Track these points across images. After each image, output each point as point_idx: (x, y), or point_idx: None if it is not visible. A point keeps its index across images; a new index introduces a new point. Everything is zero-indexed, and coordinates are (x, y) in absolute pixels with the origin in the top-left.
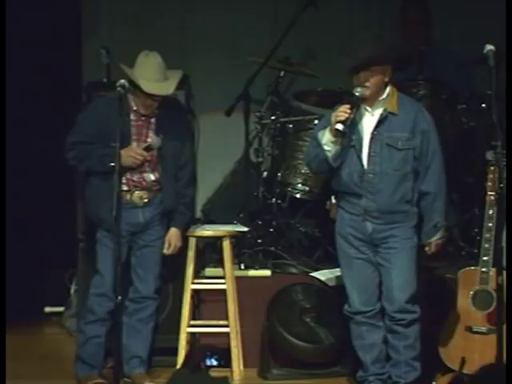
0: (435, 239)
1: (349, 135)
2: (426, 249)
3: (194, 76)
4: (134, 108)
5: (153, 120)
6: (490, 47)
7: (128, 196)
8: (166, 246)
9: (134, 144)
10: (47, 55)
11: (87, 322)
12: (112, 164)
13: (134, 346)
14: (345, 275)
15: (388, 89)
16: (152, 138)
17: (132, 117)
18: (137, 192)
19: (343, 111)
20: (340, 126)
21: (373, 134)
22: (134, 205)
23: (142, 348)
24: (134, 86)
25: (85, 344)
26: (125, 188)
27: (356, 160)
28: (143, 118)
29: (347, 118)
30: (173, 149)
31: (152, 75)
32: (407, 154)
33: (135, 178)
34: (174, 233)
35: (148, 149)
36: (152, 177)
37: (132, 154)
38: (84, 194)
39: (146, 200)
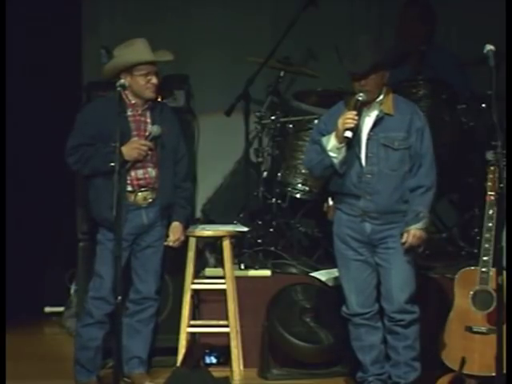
0: (414, 227)
1: (352, 140)
2: (404, 238)
3: (194, 76)
4: (133, 102)
5: (148, 114)
6: (490, 47)
7: (132, 197)
8: (171, 238)
9: (135, 139)
10: (47, 55)
11: (84, 324)
12: (112, 164)
13: (134, 347)
14: (342, 277)
15: (384, 90)
16: (151, 127)
17: (129, 112)
18: (140, 193)
19: (351, 118)
20: (349, 134)
21: (369, 134)
22: (137, 206)
23: (142, 348)
24: (132, 68)
25: (82, 348)
26: (129, 189)
27: (355, 161)
28: (140, 112)
29: (355, 125)
30: (170, 141)
31: (145, 48)
32: (404, 153)
33: (140, 174)
34: (176, 226)
35: (150, 137)
36: (154, 173)
37: (136, 145)
38: (87, 195)
39: (150, 200)
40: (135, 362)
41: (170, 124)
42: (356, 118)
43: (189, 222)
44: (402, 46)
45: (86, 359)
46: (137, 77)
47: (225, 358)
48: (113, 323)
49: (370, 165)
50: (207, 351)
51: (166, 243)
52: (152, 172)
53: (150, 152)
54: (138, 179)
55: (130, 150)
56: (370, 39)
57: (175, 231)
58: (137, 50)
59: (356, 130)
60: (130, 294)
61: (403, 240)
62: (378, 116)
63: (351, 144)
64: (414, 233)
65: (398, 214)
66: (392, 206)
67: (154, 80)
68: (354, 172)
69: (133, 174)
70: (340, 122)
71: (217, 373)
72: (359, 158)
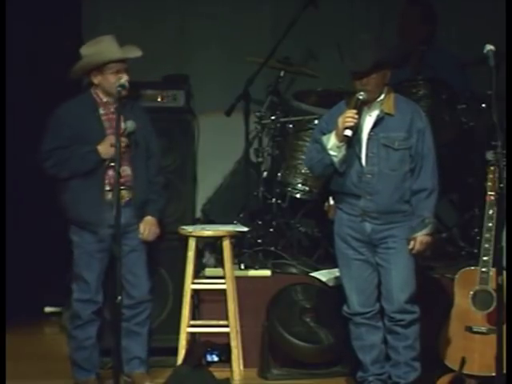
0: (420, 234)
1: (352, 139)
2: (410, 245)
3: (194, 76)
4: (105, 100)
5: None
6: (490, 47)
7: (109, 196)
8: (141, 230)
9: (110, 136)
10: (47, 54)
11: (75, 326)
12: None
13: (134, 348)
14: (343, 276)
15: (385, 89)
16: (125, 123)
17: (101, 111)
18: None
19: (351, 117)
20: (349, 132)
21: (370, 134)
22: (113, 205)
23: (142, 349)
24: (103, 66)
25: (78, 348)
26: (107, 188)
27: (355, 161)
28: (112, 110)
29: (355, 124)
30: (142, 138)
31: (114, 46)
32: (404, 153)
33: None
34: (148, 219)
35: (126, 133)
36: (129, 170)
37: (113, 143)
38: (63, 199)
39: (127, 199)
40: (136, 363)
41: (141, 120)
42: (356, 116)
43: (162, 214)
44: (403, 46)
45: (82, 359)
46: (108, 75)
47: (226, 356)
48: (112, 323)
49: (370, 165)
50: (209, 349)
51: (140, 237)
52: (127, 170)
53: (126, 149)
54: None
55: (107, 148)
56: (372, 38)
57: (146, 223)
58: (107, 48)
59: (356, 130)
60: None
61: (410, 247)
62: (378, 116)
63: (351, 143)
64: (421, 239)
65: (398, 214)
66: (392, 206)
67: (125, 77)
68: (354, 172)
69: (110, 172)
70: (340, 120)
71: (217, 372)
72: (359, 158)
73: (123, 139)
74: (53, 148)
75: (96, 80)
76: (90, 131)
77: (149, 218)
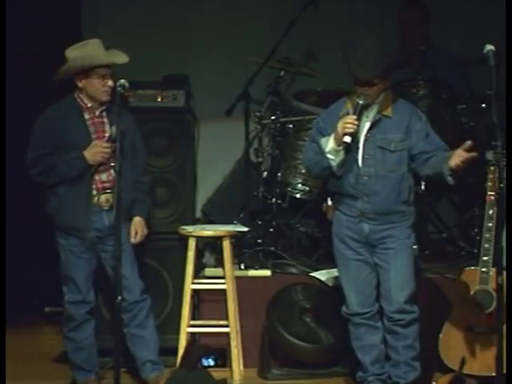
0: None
1: (351, 145)
2: (452, 162)
3: (194, 76)
4: (89, 105)
5: (104, 113)
6: (490, 47)
7: (95, 199)
8: (133, 234)
9: (96, 142)
10: (47, 55)
11: (70, 329)
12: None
13: (142, 352)
14: (342, 277)
15: (383, 92)
16: (111, 129)
17: (86, 116)
18: (103, 196)
19: (351, 123)
20: (348, 139)
21: (366, 136)
22: (99, 208)
23: (151, 351)
24: (89, 70)
25: (76, 350)
26: (93, 193)
27: (352, 162)
28: (97, 115)
29: (355, 130)
30: (128, 140)
31: (101, 50)
32: (402, 155)
33: (104, 177)
34: (138, 220)
35: (112, 138)
36: (114, 174)
37: (99, 149)
38: (50, 206)
39: (112, 202)
40: (148, 367)
41: (127, 123)
42: (356, 123)
43: (149, 215)
44: (404, 47)
45: (82, 359)
46: (93, 79)
47: (223, 360)
48: (112, 324)
49: (366, 166)
50: (205, 353)
51: (131, 240)
52: (113, 174)
53: (112, 153)
54: (103, 182)
55: (94, 155)
56: (377, 42)
57: (137, 226)
58: (94, 52)
59: (355, 134)
60: None
61: (453, 164)
62: (375, 117)
63: (350, 148)
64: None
65: (396, 215)
66: (390, 207)
67: (110, 82)
68: (351, 173)
69: (96, 177)
70: (340, 125)
71: (217, 373)
72: (356, 160)
73: (109, 144)
74: (38, 155)
75: (81, 84)
76: (76, 137)
77: (137, 219)
